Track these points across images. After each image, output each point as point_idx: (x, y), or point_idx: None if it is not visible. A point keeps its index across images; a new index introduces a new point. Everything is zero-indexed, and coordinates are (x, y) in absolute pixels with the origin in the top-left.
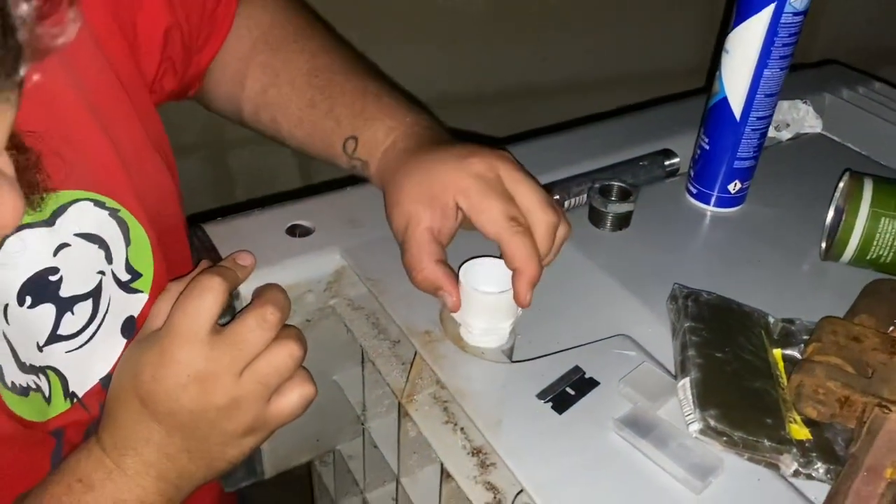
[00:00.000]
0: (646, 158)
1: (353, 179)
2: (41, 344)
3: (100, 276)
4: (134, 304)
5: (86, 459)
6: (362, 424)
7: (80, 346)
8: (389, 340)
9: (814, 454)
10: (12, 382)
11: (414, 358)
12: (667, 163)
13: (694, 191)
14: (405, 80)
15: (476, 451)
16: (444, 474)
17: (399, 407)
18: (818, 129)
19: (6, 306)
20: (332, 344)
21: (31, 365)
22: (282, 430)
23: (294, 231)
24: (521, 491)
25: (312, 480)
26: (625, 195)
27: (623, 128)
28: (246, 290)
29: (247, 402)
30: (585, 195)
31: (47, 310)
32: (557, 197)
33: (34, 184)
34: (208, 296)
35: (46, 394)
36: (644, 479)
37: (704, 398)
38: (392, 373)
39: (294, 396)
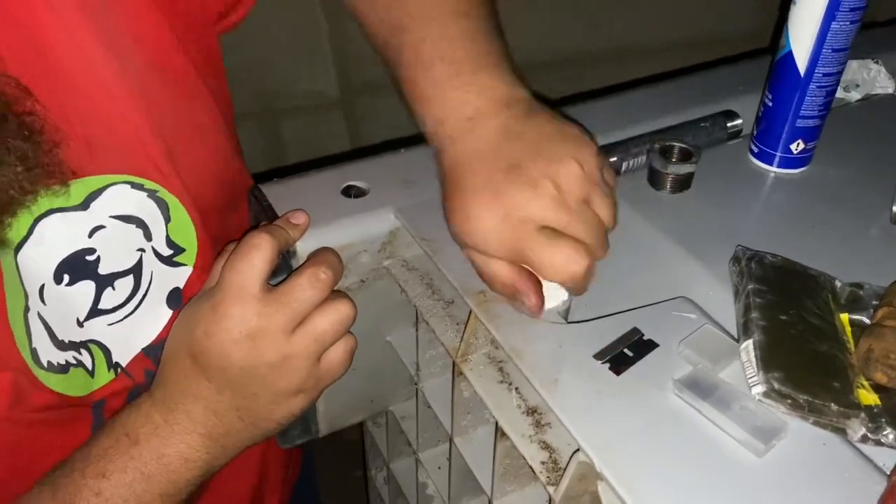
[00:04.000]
0: (707, 119)
1: (407, 142)
2: (81, 319)
3: (139, 253)
4: (178, 276)
5: (135, 414)
6: (416, 385)
7: (123, 319)
8: (443, 301)
9: (883, 420)
10: (48, 362)
11: (468, 318)
12: (729, 124)
13: (756, 150)
14: None
15: (531, 411)
16: (499, 433)
17: (453, 367)
18: (890, 90)
19: (42, 286)
20: (386, 305)
21: (70, 342)
22: (336, 389)
23: (349, 192)
24: (577, 450)
25: (365, 441)
26: (686, 156)
27: (685, 88)
28: (303, 249)
29: (298, 360)
30: (645, 156)
31: (87, 287)
32: (615, 158)
33: (51, 170)
34: (256, 253)
35: (89, 367)
36: (704, 441)
37: (768, 360)
38: (446, 333)
39: (340, 352)
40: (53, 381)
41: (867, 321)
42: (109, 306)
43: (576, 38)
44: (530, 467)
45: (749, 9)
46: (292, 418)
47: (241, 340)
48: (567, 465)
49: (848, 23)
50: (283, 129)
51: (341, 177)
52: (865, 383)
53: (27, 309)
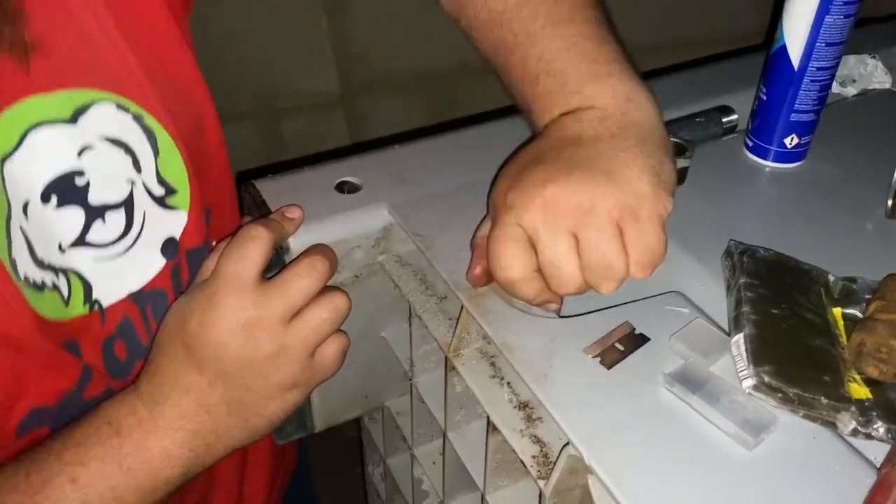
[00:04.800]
0: (702, 115)
1: (401, 138)
2: (64, 245)
3: (130, 185)
4: (174, 223)
5: (119, 404)
6: (410, 380)
7: (114, 258)
8: (437, 296)
9: (874, 413)
10: (25, 276)
11: (460, 313)
12: (724, 119)
13: (751, 144)
14: (458, 47)
15: (522, 405)
16: (491, 428)
17: (446, 362)
18: (887, 85)
19: (27, 203)
20: (380, 300)
21: (48, 263)
22: (331, 385)
23: (342, 187)
24: (567, 444)
25: (362, 437)
26: (680, 151)
27: (680, 84)
28: (296, 245)
29: (295, 351)
30: None
31: (75, 213)
32: None
33: (14, 41)
34: (252, 244)
35: (65, 295)
36: (694, 435)
37: (759, 354)
38: (439, 328)
39: (333, 349)
40: (30, 297)
41: (860, 315)
42: (99, 241)
43: None
44: (521, 461)
45: (747, 8)
46: (284, 416)
47: (238, 330)
48: (557, 459)
49: (842, 17)
50: (283, 129)
51: (335, 173)
52: (857, 377)
53: (9, 218)
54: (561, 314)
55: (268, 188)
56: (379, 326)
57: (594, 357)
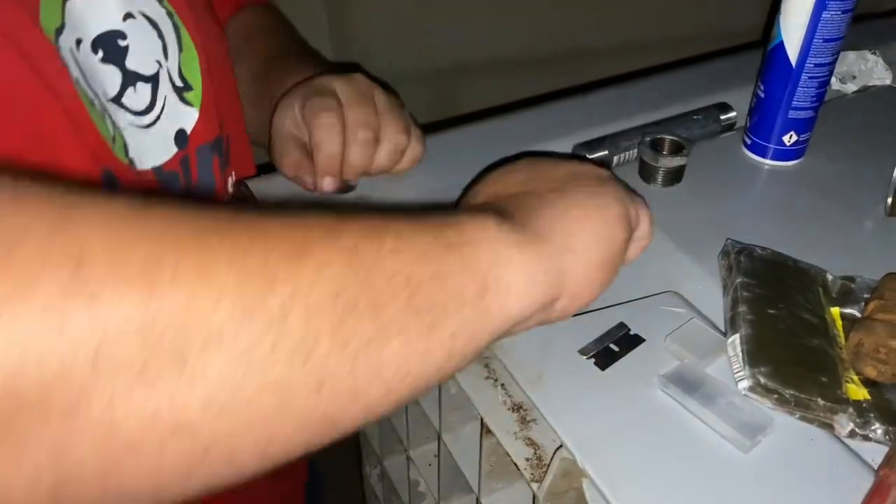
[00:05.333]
0: (700, 112)
1: None
2: (106, 97)
3: (157, 65)
4: (187, 117)
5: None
6: None
7: (141, 129)
8: None
9: (872, 414)
10: (87, 95)
11: None
12: (722, 117)
13: (749, 142)
14: (457, 45)
15: (516, 407)
16: (485, 430)
17: None
18: (888, 81)
19: (79, 41)
20: None
21: (100, 102)
22: None
23: None
24: (560, 446)
25: (360, 439)
26: (677, 149)
27: (679, 81)
28: None
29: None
30: (635, 150)
31: (114, 72)
32: (606, 152)
33: None
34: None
35: (111, 133)
36: (690, 437)
37: (755, 355)
38: None
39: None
40: (94, 116)
41: (858, 315)
42: (131, 107)
43: (579, 34)
44: (514, 464)
45: (744, 5)
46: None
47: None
48: (550, 461)
49: (839, 12)
50: None
51: None
52: (855, 378)
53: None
54: None
55: (260, 187)
56: None
57: (588, 358)
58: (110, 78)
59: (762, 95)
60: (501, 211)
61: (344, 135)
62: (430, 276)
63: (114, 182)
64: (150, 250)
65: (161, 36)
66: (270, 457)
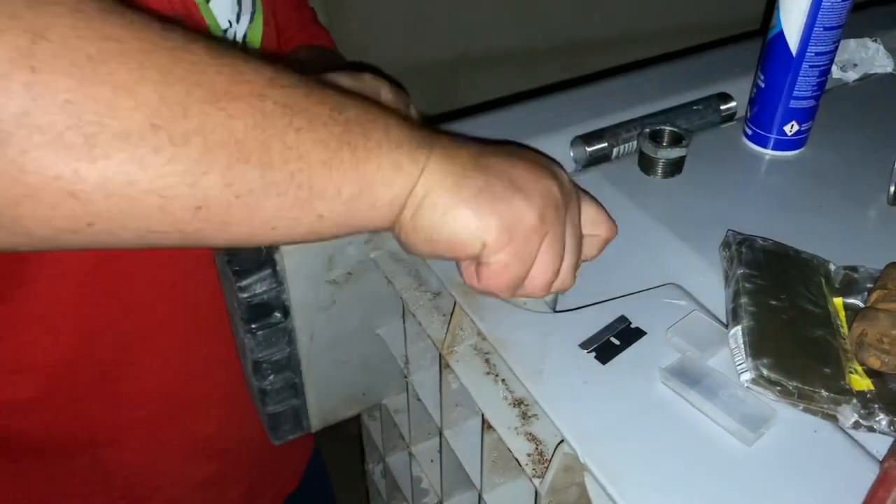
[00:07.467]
0: (700, 102)
1: None
2: None
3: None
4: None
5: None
6: (406, 378)
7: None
8: (430, 293)
9: (876, 405)
10: None
11: (453, 309)
12: (723, 107)
13: (750, 132)
14: (456, 38)
15: (517, 403)
16: (486, 425)
17: (440, 359)
18: (889, 69)
19: None
20: (375, 297)
21: None
22: (328, 382)
23: None
24: (561, 441)
25: (362, 436)
26: (676, 140)
27: (678, 72)
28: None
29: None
30: (635, 141)
31: None
32: (605, 144)
33: None
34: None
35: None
36: (692, 431)
37: (757, 346)
38: (433, 325)
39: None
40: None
41: (861, 305)
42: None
43: (578, 26)
44: (516, 459)
45: None
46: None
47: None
48: (552, 456)
49: (839, 0)
50: None
51: None
52: (859, 368)
53: None
54: (556, 310)
55: None
56: (374, 324)
57: (589, 352)
58: None
59: (762, 85)
60: (451, 155)
61: None
62: (320, 162)
63: None
64: (98, 49)
65: None
66: (148, 242)
